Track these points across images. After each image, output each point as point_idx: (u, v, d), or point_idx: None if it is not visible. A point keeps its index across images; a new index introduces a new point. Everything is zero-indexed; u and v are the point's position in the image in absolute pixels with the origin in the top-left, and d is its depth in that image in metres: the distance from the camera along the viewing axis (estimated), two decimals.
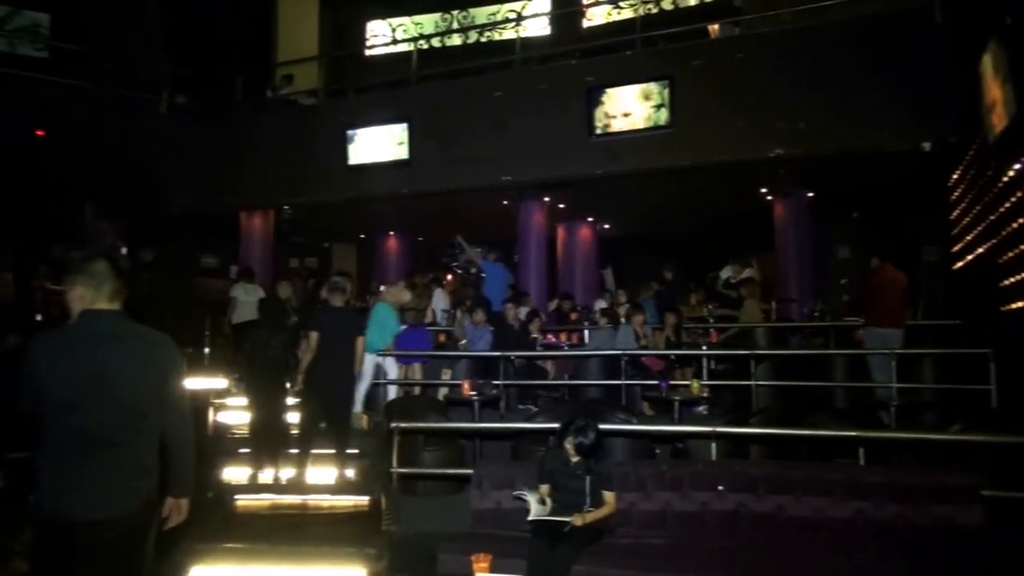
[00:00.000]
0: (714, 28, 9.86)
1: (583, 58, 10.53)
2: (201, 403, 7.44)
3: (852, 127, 8.26)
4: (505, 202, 10.72)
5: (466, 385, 6.51)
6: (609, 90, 9.29)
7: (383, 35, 15.62)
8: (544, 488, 4.30)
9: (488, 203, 11.30)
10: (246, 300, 9.73)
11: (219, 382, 8.74)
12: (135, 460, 2.78)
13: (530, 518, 4.08)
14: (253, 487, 6.29)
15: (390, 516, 5.16)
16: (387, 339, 7.61)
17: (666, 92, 8.96)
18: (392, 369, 7.82)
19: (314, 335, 6.40)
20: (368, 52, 15.10)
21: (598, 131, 9.33)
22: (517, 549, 4.01)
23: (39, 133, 10.04)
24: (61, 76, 11.29)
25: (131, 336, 2.82)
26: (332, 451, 6.49)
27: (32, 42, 13.12)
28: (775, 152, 8.62)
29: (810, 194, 10.79)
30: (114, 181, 11.27)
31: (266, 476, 6.42)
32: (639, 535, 4.34)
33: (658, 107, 9.00)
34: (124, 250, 12.42)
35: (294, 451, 6.54)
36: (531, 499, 4.13)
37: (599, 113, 9.33)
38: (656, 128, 9.00)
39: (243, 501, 6.11)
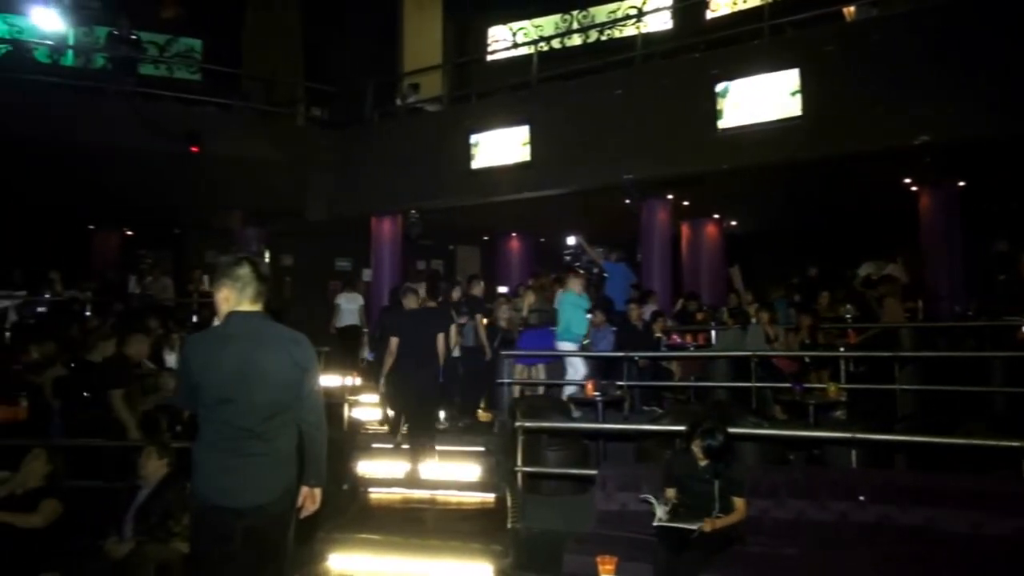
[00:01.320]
0: (850, 11, 9.29)
1: (707, 50, 10.23)
2: (336, 399, 7.85)
3: (1008, 109, 7.54)
4: (627, 201, 10.60)
5: (589, 386, 6.49)
6: (736, 81, 8.97)
7: (504, 40, 15.86)
8: (671, 492, 4.22)
9: (610, 202, 11.21)
10: (348, 308, 10.96)
11: (353, 379, 9.20)
12: (278, 451, 2.96)
13: (656, 523, 4.02)
14: (385, 481, 6.55)
15: (516, 514, 5.22)
16: (578, 326, 7.44)
17: (797, 80, 8.54)
18: (580, 365, 7.57)
19: (393, 340, 6.61)
20: (490, 57, 15.38)
21: (725, 125, 9.03)
22: (643, 553, 3.96)
23: (194, 149, 10.93)
24: (212, 96, 12.25)
25: (273, 336, 3.00)
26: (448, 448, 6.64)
27: (187, 67, 14.34)
28: (920, 139, 8.01)
29: (961, 183, 9.96)
30: (258, 191, 12.12)
31: (399, 471, 6.65)
32: (771, 544, 4.17)
33: (790, 96, 8.59)
34: (267, 255, 13.35)
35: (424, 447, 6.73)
36: (657, 503, 4.06)
37: (725, 106, 9.03)
38: (788, 119, 8.60)
39: (376, 494, 6.39)
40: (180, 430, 6.42)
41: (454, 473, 6.64)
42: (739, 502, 4.11)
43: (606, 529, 4.50)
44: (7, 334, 10.52)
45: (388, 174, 11.98)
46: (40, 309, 11.49)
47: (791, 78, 8.57)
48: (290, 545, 3.07)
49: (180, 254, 15.32)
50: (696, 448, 4.16)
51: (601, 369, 7.57)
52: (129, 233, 14.79)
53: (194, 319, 11.21)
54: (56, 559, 4.36)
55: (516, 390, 7.94)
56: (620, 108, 9.83)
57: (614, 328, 8.12)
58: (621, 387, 6.85)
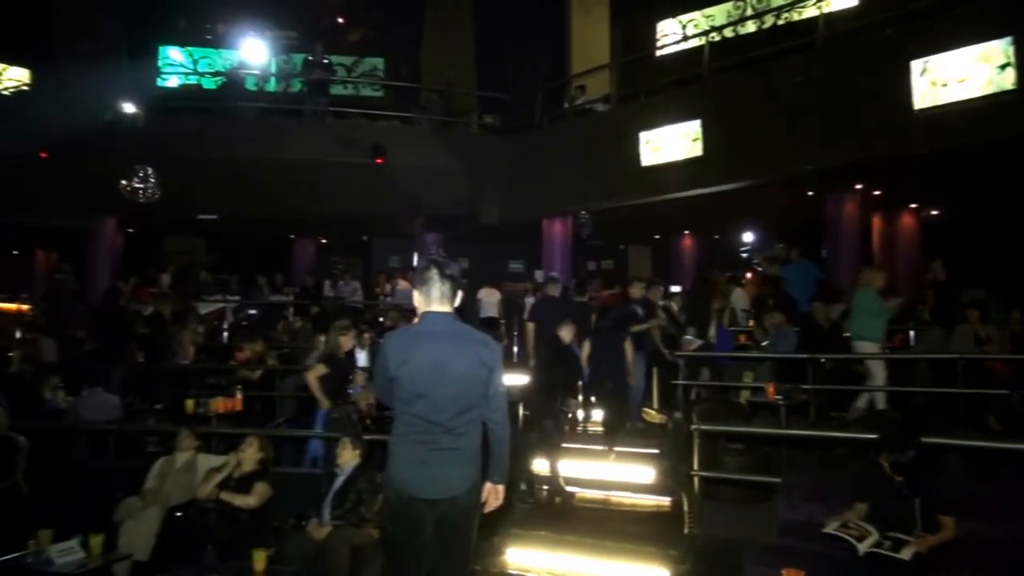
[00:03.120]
0: None
1: (900, 25, 9.37)
2: (513, 397, 8.04)
3: None
4: (810, 193, 9.95)
5: (771, 388, 6.17)
6: (935, 56, 8.13)
7: (673, 33, 15.48)
8: (861, 507, 3.90)
9: (790, 195, 10.60)
10: (488, 301, 11.94)
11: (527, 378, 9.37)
12: (466, 447, 3.09)
13: (861, 552, 3.69)
14: (560, 479, 6.60)
15: (692, 519, 5.08)
16: (876, 327, 7.05)
17: (1011, 49, 7.58)
18: (879, 369, 7.10)
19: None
20: (659, 53, 15.08)
21: (922, 104, 8.21)
22: (832, 568, 3.70)
23: (378, 161, 11.72)
24: (395, 110, 13.07)
25: (461, 335, 3.13)
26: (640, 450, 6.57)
27: (372, 85, 15.39)
28: None
29: None
30: (436, 197, 12.74)
31: (574, 470, 6.70)
32: (985, 571, 3.73)
33: (1002, 68, 7.65)
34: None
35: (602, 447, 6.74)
36: (853, 539, 3.72)
37: (923, 83, 8.21)
38: (999, 94, 7.66)
39: (551, 493, 6.47)
40: (370, 424, 6.89)
41: (628, 475, 6.58)
42: (947, 520, 3.72)
43: (791, 540, 4.25)
44: (225, 334, 11.86)
45: (558, 176, 12.12)
46: (252, 312, 12.83)
47: (1000, 48, 7.63)
48: (475, 538, 3.19)
49: (368, 259, 16.46)
50: (884, 462, 3.82)
51: (783, 372, 7.17)
52: (323, 241, 16.10)
53: (380, 320, 11.98)
54: (266, 537, 4.84)
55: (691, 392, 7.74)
56: (800, 95, 9.25)
57: (796, 328, 7.68)
58: (806, 391, 6.45)
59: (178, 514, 5.05)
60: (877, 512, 3.84)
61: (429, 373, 3.05)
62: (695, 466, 5.11)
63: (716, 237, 14.98)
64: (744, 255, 14.46)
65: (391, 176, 12.07)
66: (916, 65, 8.23)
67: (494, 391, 3.13)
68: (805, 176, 9.64)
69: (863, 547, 3.68)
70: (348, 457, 5.06)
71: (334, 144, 11.99)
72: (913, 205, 11.53)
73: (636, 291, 8.33)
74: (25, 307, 13.31)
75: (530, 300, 12.42)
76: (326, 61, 13.14)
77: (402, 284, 12.09)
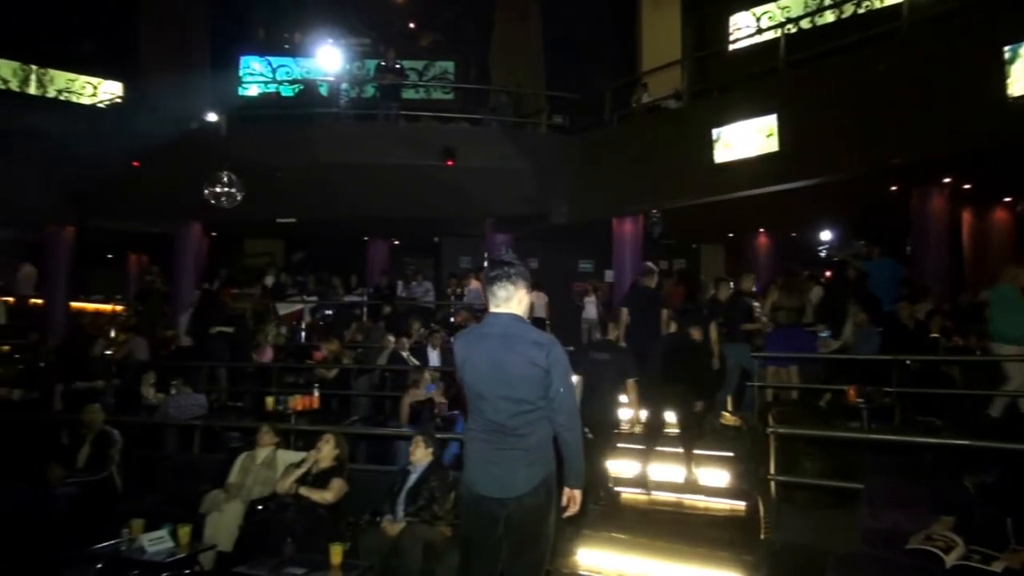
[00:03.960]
0: None
1: (990, 9, 8.87)
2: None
3: None
4: (893, 188, 9.53)
5: (852, 391, 5.95)
6: None
7: (747, 26, 15.10)
8: (947, 520, 3.71)
9: (871, 191, 10.19)
10: (538, 303, 11.67)
11: None
12: (531, 447, 3.09)
13: (948, 565, 3.52)
14: (632, 481, 6.55)
15: (769, 525, 4.95)
16: (1020, 325, 6.54)
17: None
18: (1019, 372, 6.64)
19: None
20: (731, 47, 14.75)
21: (1018, 91, 7.76)
22: None
23: (449, 163, 11.87)
24: (464, 113, 13.21)
25: (516, 336, 3.13)
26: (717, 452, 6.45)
27: (443, 88, 15.59)
28: None
29: None
30: (505, 198, 12.81)
31: (646, 472, 6.62)
32: None
33: None
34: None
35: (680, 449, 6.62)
36: (940, 551, 3.55)
37: (1019, 69, 7.75)
38: None
39: (624, 494, 6.42)
40: (441, 423, 6.99)
41: (702, 477, 6.46)
42: None
43: (873, 549, 4.09)
44: (303, 334, 12.24)
45: (628, 174, 12.00)
46: (328, 312, 13.19)
47: None
48: (548, 538, 3.16)
49: (439, 259, 16.68)
50: (968, 484, 3.61)
51: (865, 373, 6.89)
52: (396, 242, 16.41)
53: (452, 320, 12.14)
54: (343, 532, 4.96)
55: (768, 393, 7.54)
56: (883, 86, 8.87)
57: (879, 329, 7.37)
58: (890, 394, 6.19)
59: (259, 507, 5.25)
60: (964, 526, 3.64)
61: (486, 373, 3.09)
62: (772, 470, 4.97)
63: (792, 235, 14.54)
64: (822, 253, 13.97)
65: (461, 177, 12.21)
66: (1009, 50, 7.79)
67: (555, 392, 3.09)
68: (889, 171, 9.26)
69: (950, 559, 3.51)
70: (421, 455, 5.14)
71: (406, 147, 12.21)
72: (1007, 198, 10.91)
73: (723, 292, 8.27)
74: (119, 308, 14.05)
75: (590, 300, 12.42)
76: (398, 66, 13.39)
77: (473, 284, 12.22)
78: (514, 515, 3.06)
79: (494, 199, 12.90)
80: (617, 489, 6.39)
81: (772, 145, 10.04)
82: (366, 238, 15.98)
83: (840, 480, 5.24)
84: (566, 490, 3.19)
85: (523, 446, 3.08)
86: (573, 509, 3.21)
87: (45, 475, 5.85)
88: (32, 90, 16.06)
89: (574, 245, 15.42)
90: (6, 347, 10.93)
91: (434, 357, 9.15)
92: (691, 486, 6.31)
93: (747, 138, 10.36)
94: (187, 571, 4.91)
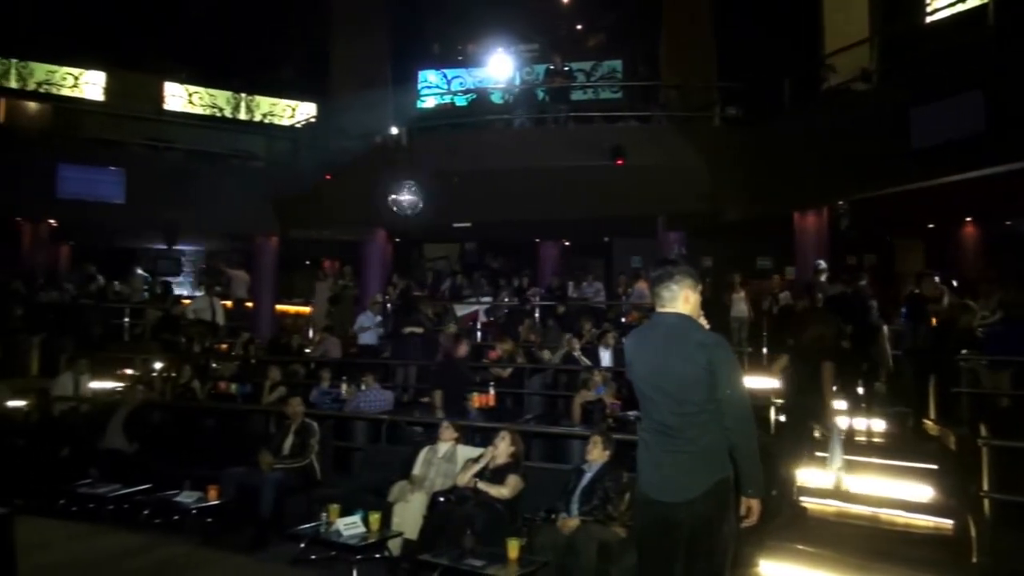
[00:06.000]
0: None
1: None
2: (761, 402, 7.64)
3: None
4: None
5: None
6: None
7: None
8: None
9: None
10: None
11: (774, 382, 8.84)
12: (700, 450, 2.99)
13: None
14: (820, 491, 6.15)
15: (982, 547, 4.44)
16: None
17: None
18: None
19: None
20: (929, 19, 13.40)
21: None
22: None
23: (618, 163, 11.79)
24: (633, 111, 13.08)
25: (681, 336, 3.05)
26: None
27: (610, 88, 15.55)
28: None
29: None
30: (677, 195, 12.49)
31: (833, 481, 6.20)
32: None
33: None
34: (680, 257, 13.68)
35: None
36: None
37: None
38: None
39: (810, 504, 6.05)
40: (613, 423, 6.96)
41: (901, 491, 5.93)
42: None
43: None
44: (478, 334, 12.70)
45: (810, 164, 11.26)
46: (502, 312, 13.60)
47: None
48: (725, 548, 3.03)
49: (609, 260, 16.62)
50: None
51: None
52: (567, 243, 16.57)
53: (622, 320, 12.06)
54: (519, 527, 5.09)
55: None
56: None
57: None
58: None
59: (440, 499, 5.51)
60: None
61: (650, 374, 3.04)
62: (985, 486, 4.46)
63: (1007, 223, 12.97)
64: None
65: (631, 176, 12.08)
66: None
67: (723, 395, 2.97)
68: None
69: None
70: (597, 455, 5.15)
71: (575, 149, 12.29)
72: None
73: (929, 287, 7.56)
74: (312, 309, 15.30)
75: (739, 297, 11.59)
76: (566, 69, 13.52)
77: (641, 284, 12.05)
78: (686, 522, 2.97)
79: (665, 196, 12.63)
80: (803, 499, 6.03)
81: (978, 124, 8.99)
82: (537, 240, 16.27)
83: None
84: (743, 499, 3.06)
85: (691, 449, 2.99)
86: (752, 519, 3.07)
87: (257, 461, 6.52)
88: (242, 115, 18.03)
89: (750, 241, 14.75)
90: (224, 345, 12.26)
91: (606, 357, 9.14)
92: (887, 501, 5.82)
93: (950, 117, 9.34)
94: (377, 555, 5.27)
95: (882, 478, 6.11)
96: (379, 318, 11.67)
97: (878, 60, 11.84)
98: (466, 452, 6.00)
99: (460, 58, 17.38)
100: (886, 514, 5.72)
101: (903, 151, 9.86)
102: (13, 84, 16.05)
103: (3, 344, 11.13)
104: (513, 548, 4.41)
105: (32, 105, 16.66)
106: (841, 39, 13.05)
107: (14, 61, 15.91)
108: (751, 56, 14.39)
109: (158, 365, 10.55)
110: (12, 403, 8.52)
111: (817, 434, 6.36)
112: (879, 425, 7.64)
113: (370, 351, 11.20)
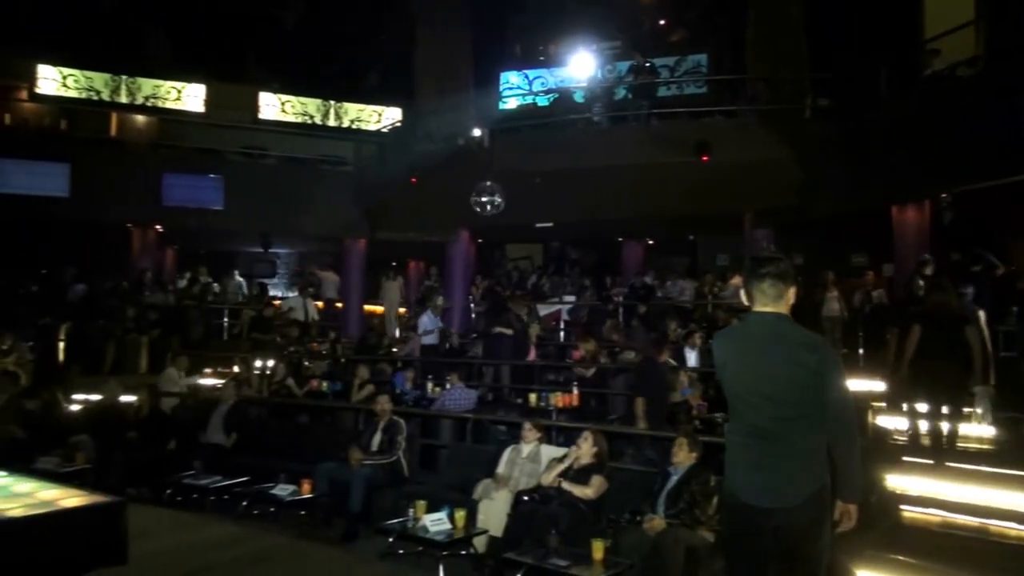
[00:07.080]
0: None
1: None
2: (860, 405, 7.33)
3: None
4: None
5: None
6: None
7: None
8: None
9: None
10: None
11: (876, 384, 8.47)
12: (800, 455, 2.88)
13: None
14: (921, 500, 5.84)
15: None
16: None
17: None
18: None
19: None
20: None
21: None
22: None
23: (704, 159, 11.53)
24: (719, 105, 12.76)
25: (782, 336, 2.94)
26: None
27: (695, 83, 15.22)
28: None
29: None
30: (765, 190, 12.11)
31: (939, 490, 5.88)
32: None
33: None
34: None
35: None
36: None
37: None
38: None
39: (910, 513, 5.75)
40: (699, 425, 6.82)
41: (1012, 501, 5.55)
42: None
43: None
44: (561, 333, 12.68)
45: (909, 156, 10.69)
46: (587, 311, 13.54)
47: None
48: (822, 556, 2.92)
49: (694, 258, 16.27)
50: None
51: None
52: (651, 242, 16.33)
53: (712, 319, 11.78)
54: (604, 528, 5.05)
55: None
56: None
57: None
58: None
59: (524, 498, 5.53)
60: None
61: (746, 375, 2.94)
62: None
63: None
64: None
65: (717, 172, 11.78)
66: None
67: (828, 397, 2.85)
68: None
69: None
70: (683, 457, 5.07)
71: (659, 146, 12.10)
72: None
73: None
74: (401, 311, 15.66)
75: (832, 296, 11.14)
76: (649, 65, 13.32)
77: (735, 281, 11.73)
78: (782, 529, 2.86)
79: (752, 192, 12.26)
80: (903, 507, 5.74)
81: None
82: (620, 239, 16.11)
83: None
84: (839, 503, 2.93)
85: (790, 454, 2.88)
86: (847, 524, 2.95)
87: (347, 456, 6.72)
88: (331, 122, 18.62)
89: (844, 237, 14.13)
90: (316, 344, 12.70)
91: (692, 358, 8.96)
92: (998, 511, 5.46)
93: None
94: (462, 552, 5.34)
95: (991, 487, 5.74)
96: (440, 321, 11.91)
97: (985, 43, 11.13)
98: (550, 452, 6.01)
99: (542, 58, 17.37)
100: (996, 525, 5.37)
101: (1014, 140, 9.24)
102: (123, 99, 17.09)
103: (116, 343, 11.88)
104: (598, 549, 4.38)
105: (140, 118, 17.78)
106: (942, 22, 12.33)
107: (124, 77, 16.94)
108: (844, 43, 13.81)
109: (257, 363, 11.03)
110: (124, 398, 9.07)
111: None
112: (989, 431, 7.19)
113: (459, 352, 11.40)
